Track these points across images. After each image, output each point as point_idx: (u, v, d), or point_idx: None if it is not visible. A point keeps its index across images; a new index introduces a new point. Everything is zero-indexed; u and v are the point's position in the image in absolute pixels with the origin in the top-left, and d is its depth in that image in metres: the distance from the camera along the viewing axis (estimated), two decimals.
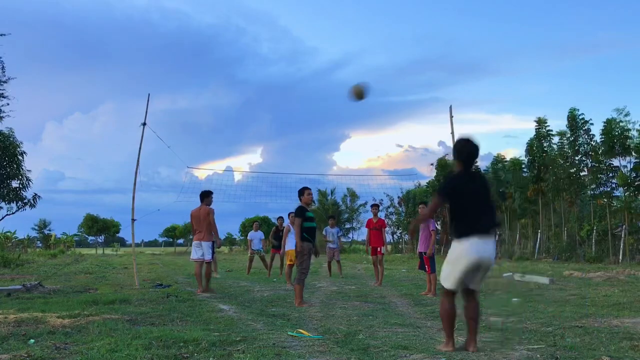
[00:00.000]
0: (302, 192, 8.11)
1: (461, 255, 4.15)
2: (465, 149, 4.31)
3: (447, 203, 4.28)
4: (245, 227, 44.14)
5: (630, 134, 21.10)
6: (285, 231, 12.07)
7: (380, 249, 11.93)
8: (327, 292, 9.98)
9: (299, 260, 7.88)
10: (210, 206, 9.85)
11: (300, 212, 7.87)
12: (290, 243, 11.34)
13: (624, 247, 20.64)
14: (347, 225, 46.69)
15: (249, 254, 15.74)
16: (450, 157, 30.78)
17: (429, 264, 9.43)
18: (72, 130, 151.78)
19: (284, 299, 8.63)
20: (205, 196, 9.83)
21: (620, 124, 21.34)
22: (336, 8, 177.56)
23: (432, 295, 9.08)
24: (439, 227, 27.15)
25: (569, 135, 24.40)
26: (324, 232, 14.33)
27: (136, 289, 10.15)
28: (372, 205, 12.94)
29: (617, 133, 21.24)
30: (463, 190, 4.21)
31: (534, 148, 26.37)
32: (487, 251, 4.12)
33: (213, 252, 10.20)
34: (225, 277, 14.42)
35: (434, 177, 34.08)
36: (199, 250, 9.69)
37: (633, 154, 21.11)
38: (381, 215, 42.26)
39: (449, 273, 4.27)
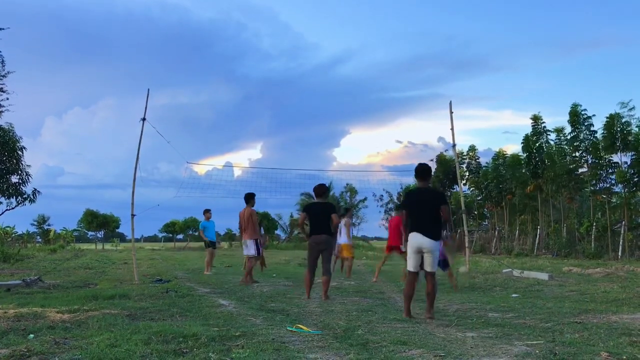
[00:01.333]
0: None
1: (409, 244, 6.02)
2: (417, 169, 6.20)
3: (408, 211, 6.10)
4: None
5: (631, 129, 20.91)
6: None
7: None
8: None
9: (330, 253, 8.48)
10: (254, 207, 11.12)
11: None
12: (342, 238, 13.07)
13: (623, 243, 20.65)
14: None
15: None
16: (449, 153, 30.79)
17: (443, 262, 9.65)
18: (72, 125, 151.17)
19: (283, 294, 8.64)
20: (250, 198, 11.05)
21: (623, 119, 21.12)
22: (337, 4, 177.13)
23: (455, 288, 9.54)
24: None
25: (569, 131, 24.29)
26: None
27: (136, 284, 10.16)
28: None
29: (618, 128, 21.11)
30: (412, 201, 6.14)
31: (530, 144, 26.35)
32: (423, 241, 5.90)
33: (259, 249, 11.35)
34: (225, 272, 14.45)
35: (434, 173, 34.15)
36: (245, 248, 11.13)
37: (631, 149, 20.97)
38: (381, 211, 42.02)
39: (407, 259, 6.10)
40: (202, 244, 14.51)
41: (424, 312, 6.14)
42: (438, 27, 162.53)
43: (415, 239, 5.94)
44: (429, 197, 6.04)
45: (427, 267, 5.97)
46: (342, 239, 13.19)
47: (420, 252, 5.92)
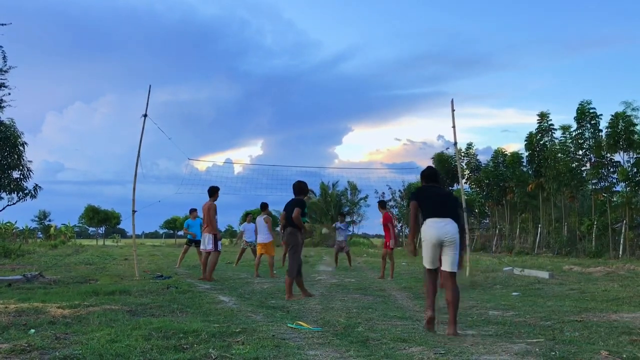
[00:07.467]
0: (306, 188, 8.16)
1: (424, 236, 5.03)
2: (424, 173, 5.63)
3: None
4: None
5: (636, 129, 20.81)
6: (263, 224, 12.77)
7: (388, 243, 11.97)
8: (327, 285, 10.01)
9: (289, 253, 7.95)
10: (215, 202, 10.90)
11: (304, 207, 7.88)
12: (262, 236, 12.47)
13: (624, 242, 20.63)
14: (348, 219, 46.76)
15: (242, 245, 15.97)
16: (449, 151, 30.72)
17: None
18: (73, 121, 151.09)
19: (283, 291, 8.63)
20: (213, 192, 10.91)
21: (628, 118, 20.99)
22: (341, 1, 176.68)
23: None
24: None
25: (574, 129, 24.09)
26: (334, 225, 15.88)
27: (136, 280, 10.17)
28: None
29: (622, 127, 20.98)
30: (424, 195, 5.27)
31: (534, 142, 26.26)
32: (443, 228, 4.97)
33: (217, 244, 10.96)
34: (225, 269, 14.45)
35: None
36: (202, 242, 11.13)
37: (635, 148, 20.89)
38: None
39: (424, 254, 5.07)
40: (200, 240, 14.66)
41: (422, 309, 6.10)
42: (442, 24, 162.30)
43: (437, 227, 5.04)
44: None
45: (447, 265, 4.98)
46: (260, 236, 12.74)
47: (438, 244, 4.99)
